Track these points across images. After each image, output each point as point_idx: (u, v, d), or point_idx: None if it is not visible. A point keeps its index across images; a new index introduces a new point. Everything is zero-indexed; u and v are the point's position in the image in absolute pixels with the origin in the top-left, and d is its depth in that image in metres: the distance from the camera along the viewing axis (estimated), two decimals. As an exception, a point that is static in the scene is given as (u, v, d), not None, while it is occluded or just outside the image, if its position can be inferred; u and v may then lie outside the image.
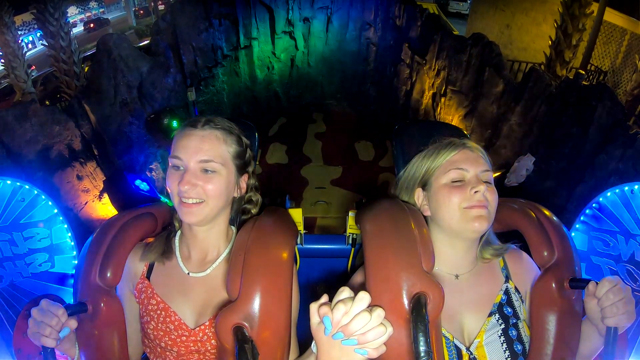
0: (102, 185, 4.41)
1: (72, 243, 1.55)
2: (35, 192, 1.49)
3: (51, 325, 0.73)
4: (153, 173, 5.05)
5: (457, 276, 0.87)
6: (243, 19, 6.43)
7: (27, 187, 1.48)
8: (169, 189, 0.84)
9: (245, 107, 6.96)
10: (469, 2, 13.94)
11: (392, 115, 6.94)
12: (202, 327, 0.86)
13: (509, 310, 0.85)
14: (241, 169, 0.90)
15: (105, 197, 4.41)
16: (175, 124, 4.76)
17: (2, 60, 5.92)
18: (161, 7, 15.98)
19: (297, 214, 1.28)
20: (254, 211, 0.96)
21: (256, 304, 0.71)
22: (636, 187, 1.41)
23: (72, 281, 1.50)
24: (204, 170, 0.82)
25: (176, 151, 0.83)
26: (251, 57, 6.79)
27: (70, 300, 0.89)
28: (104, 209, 4.38)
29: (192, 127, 0.85)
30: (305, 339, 0.75)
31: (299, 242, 1.37)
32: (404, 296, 0.69)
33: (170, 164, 0.85)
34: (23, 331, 0.79)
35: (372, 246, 0.77)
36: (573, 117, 3.80)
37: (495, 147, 4.75)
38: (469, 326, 0.84)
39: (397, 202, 0.87)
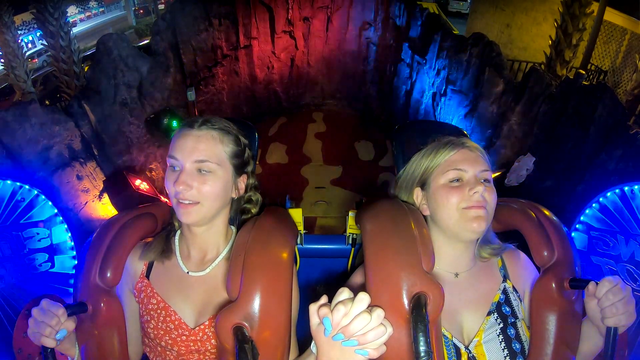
0: (102, 185, 4.42)
1: (72, 243, 1.55)
2: (35, 192, 1.49)
3: (51, 325, 0.73)
4: (153, 173, 5.06)
5: (456, 275, 0.87)
6: (243, 18, 6.43)
7: (27, 187, 1.48)
8: (167, 190, 0.85)
9: (245, 107, 6.96)
10: (469, 1, 13.93)
11: (392, 115, 6.94)
12: (202, 326, 0.86)
13: (507, 310, 0.85)
14: (239, 169, 0.89)
15: (105, 197, 4.42)
16: (175, 124, 4.76)
17: (2, 60, 5.92)
18: (161, 7, 15.96)
19: (297, 214, 1.28)
20: (254, 211, 0.96)
21: (256, 304, 0.71)
22: (636, 187, 1.41)
23: (72, 281, 1.50)
24: (199, 170, 0.82)
25: (173, 151, 0.83)
26: (251, 56, 6.79)
27: (70, 300, 0.89)
28: (104, 209, 4.38)
29: (189, 127, 0.85)
30: (305, 339, 0.75)
31: (299, 242, 1.37)
32: (404, 296, 0.68)
33: (168, 164, 0.85)
34: (23, 331, 0.79)
35: (372, 246, 0.77)
36: (573, 117, 3.80)
37: (495, 147, 4.75)
38: (467, 325, 0.84)
39: (397, 202, 0.87)
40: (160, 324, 0.87)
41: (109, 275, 0.84)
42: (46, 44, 5.66)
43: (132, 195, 4.36)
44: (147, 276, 0.91)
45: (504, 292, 0.87)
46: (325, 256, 1.43)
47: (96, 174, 4.38)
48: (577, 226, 1.49)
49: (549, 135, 4.06)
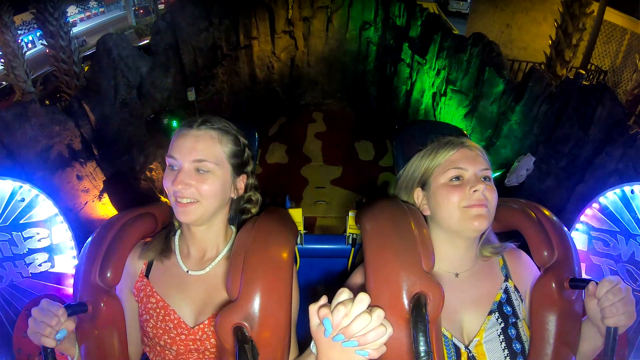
0: (102, 185, 4.42)
1: (72, 243, 1.55)
2: (35, 192, 1.49)
3: (51, 325, 0.73)
4: (153, 173, 5.06)
5: (457, 275, 0.87)
6: (243, 18, 6.43)
7: (27, 187, 1.48)
8: (165, 189, 0.85)
9: (245, 107, 6.96)
10: (469, 1, 13.92)
11: (392, 115, 6.94)
12: (201, 325, 0.86)
13: (509, 309, 0.85)
14: (238, 168, 0.89)
15: (105, 197, 4.42)
16: (175, 124, 4.77)
17: (2, 60, 5.92)
18: (161, 7, 15.96)
19: (297, 214, 1.28)
20: (254, 211, 0.96)
21: (256, 304, 0.71)
22: (636, 187, 1.41)
23: (72, 281, 1.50)
24: (198, 170, 0.83)
25: (172, 151, 0.84)
26: (251, 56, 6.79)
27: (70, 300, 0.89)
28: (104, 209, 4.38)
29: (188, 127, 0.85)
30: (305, 339, 0.75)
31: (299, 242, 1.37)
32: (404, 296, 0.68)
33: (167, 164, 0.85)
34: (23, 331, 0.79)
35: (372, 246, 0.77)
36: (573, 117, 3.80)
37: (496, 147, 4.75)
38: (468, 325, 0.83)
39: (397, 202, 0.87)
40: (159, 323, 0.87)
41: (109, 275, 0.84)
42: (46, 43, 5.66)
43: (132, 195, 4.37)
44: (147, 275, 0.91)
45: (506, 291, 0.87)
46: (325, 256, 1.43)
47: (96, 174, 4.37)
48: (577, 226, 1.49)
49: (549, 135, 4.06)
